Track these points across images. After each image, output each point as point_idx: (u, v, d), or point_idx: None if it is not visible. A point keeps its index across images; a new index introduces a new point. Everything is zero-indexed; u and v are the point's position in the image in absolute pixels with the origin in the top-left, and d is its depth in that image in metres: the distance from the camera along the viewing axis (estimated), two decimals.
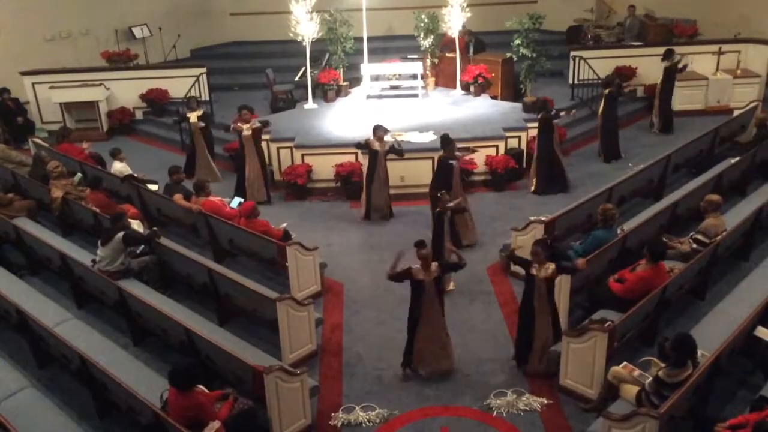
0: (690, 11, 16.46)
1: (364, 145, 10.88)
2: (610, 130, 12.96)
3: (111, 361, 7.11)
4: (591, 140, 13.67)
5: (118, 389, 6.54)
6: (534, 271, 7.30)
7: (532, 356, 7.59)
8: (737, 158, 10.90)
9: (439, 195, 8.95)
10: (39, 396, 7.06)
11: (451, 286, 9.22)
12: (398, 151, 10.85)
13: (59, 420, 6.69)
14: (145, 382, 6.83)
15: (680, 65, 13.74)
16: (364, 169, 11.20)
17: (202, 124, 12.68)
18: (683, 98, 14.88)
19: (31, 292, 8.94)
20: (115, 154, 11.50)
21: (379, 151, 10.79)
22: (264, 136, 12.46)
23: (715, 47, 15.00)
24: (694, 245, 8.62)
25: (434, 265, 7.36)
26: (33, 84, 15.30)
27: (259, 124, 11.79)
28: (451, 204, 8.88)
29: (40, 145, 12.82)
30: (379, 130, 10.77)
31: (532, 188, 11.89)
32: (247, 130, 11.60)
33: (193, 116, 12.60)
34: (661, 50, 14.04)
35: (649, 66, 14.85)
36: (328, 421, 7.14)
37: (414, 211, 11.30)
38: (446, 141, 10.14)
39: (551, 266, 7.29)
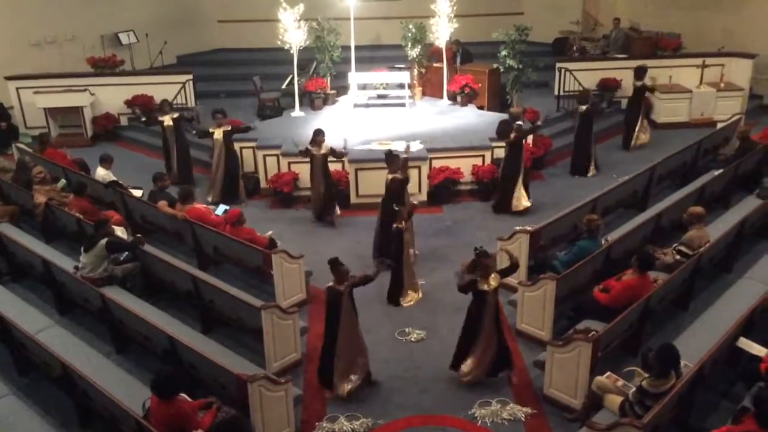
0: (674, 25, 16.68)
1: (305, 152, 11.06)
2: (581, 146, 12.98)
3: (93, 368, 7.05)
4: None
5: (101, 397, 6.48)
6: (486, 287, 7.25)
7: (469, 364, 7.57)
8: (720, 170, 11.01)
9: (396, 209, 8.99)
10: (20, 404, 6.98)
11: (409, 299, 9.24)
12: (338, 153, 11.15)
13: (40, 428, 6.61)
14: (127, 391, 6.76)
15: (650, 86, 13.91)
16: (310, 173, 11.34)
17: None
18: (667, 110, 15.08)
19: (13, 298, 8.86)
20: (105, 160, 11.42)
21: (316, 155, 11.02)
22: (249, 143, 12.47)
23: (698, 60, 15.18)
24: (678, 256, 8.68)
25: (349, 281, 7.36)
26: (17, 89, 15.17)
27: (230, 128, 12.00)
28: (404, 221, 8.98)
29: (24, 150, 12.72)
30: (318, 135, 11.02)
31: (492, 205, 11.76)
32: (218, 133, 11.75)
33: (167, 119, 12.58)
34: (647, 63, 14.16)
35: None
36: (312, 431, 7.10)
37: None
38: (390, 158, 9.92)
39: (496, 275, 7.33)
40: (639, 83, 13.74)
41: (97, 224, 8.95)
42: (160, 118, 12.68)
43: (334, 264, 7.29)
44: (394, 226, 8.99)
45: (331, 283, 7.36)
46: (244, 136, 12.34)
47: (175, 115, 12.76)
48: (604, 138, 14.40)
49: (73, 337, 8.06)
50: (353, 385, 7.51)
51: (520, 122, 11.58)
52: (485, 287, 7.25)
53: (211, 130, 11.90)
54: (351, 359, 7.52)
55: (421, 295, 9.32)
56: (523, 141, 11.52)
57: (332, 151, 11.08)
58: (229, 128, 11.98)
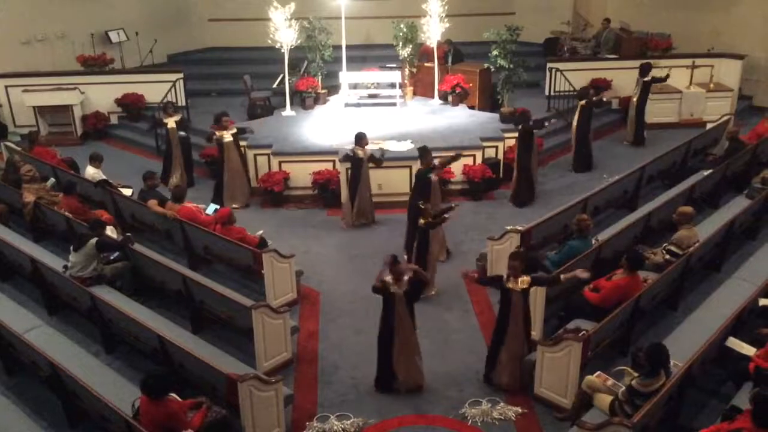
0: (664, 25, 16.74)
1: (351, 157, 10.91)
2: (583, 141, 13.09)
3: (82, 368, 7.02)
4: (566, 151, 13.78)
5: (90, 397, 6.45)
6: (511, 285, 7.29)
7: (498, 370, 7.56)
8: (710, 171, 11.07)
9: (421, 206, 8.96)
10: (8, 404, 6.96)
11: (434, 291, 9.32)
12: (377, 159, 10.97)
13: (29, 429, 6.58)
14: (116, 391, 6.75)
15: (663, 76, 13.97)
16: (345, 177, 11.23)
17: (183, 134, 12.58)
18: (657, 111, 15.09)
19: (2, 298, 8.81)
20: (94, 159, 11.34)
21: (363, 158, 10.87)
22: (241, 143, 12.42)
23: (688, 61, 15.24)
24: (667, 256, 8.72)
25: (405, 279, 7.33)
26: (6, 87, 15.04)
27: (236, 129, 11.84)
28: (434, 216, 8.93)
29: (13, 149, 12.63)
30: (363, 139, 10.85)
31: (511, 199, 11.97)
32: (228, 136, 11.61)
33: (170, 122, 12.50)
34: (636, 63, 14.21)
35: (624, 78, 15.03)
36: (303, 430, 7.09)
37: (391, 219, 11.32)
38: (423, 152, 10.07)
39: (526, 278, 7.31)
40: (647, 79, 13.82)
41: (91, 225, 8.91)
42: (164, 120, 12.54)
43: (391, 264, 7.26)
44: (420, 221, 8.96)
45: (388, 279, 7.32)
46: None
47: (179, 117, 12.67)
48: (598, 137, 14.42)
49: (62, 336, 8.02)
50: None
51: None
52: (511, 286, 7.25)
53: (218, 134, 11.65)
54: (409, 359, 7.50)
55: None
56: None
57: (371, 157, 10.95)
58: (235, 130, 11.85)
